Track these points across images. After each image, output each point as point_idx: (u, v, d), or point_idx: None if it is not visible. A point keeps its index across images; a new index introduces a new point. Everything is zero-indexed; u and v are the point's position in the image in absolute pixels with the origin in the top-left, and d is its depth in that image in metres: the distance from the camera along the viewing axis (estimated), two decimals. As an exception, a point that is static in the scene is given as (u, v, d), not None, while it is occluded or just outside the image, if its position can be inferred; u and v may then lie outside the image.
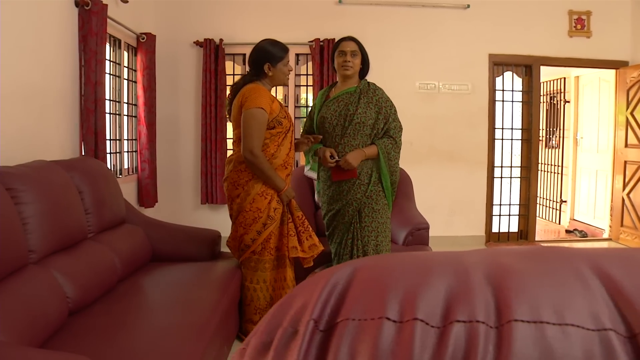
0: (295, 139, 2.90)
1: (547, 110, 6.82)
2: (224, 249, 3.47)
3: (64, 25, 3.20)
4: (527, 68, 5.32)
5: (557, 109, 6.58)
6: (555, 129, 6.69)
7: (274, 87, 2.90)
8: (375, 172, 2.80)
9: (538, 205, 6.83)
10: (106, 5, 3.46)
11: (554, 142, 6.74)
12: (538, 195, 6.81)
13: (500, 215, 5.51)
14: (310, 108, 5.07)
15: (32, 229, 2.01)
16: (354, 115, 2.75)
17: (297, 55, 5.27)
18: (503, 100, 5.43)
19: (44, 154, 2.82)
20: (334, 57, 2.87)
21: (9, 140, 2.64)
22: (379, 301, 0.34)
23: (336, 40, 3.06)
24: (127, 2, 4.00)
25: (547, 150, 6.84)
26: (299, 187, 4.04)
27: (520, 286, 0.36)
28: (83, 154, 3.35)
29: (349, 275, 0.39)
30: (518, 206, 5.56)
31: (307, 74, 5.29)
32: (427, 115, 5.24)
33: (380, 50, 5.10)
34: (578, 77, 6.21)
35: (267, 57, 2.67)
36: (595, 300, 0.35)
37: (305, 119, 3.08)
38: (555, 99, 6.62)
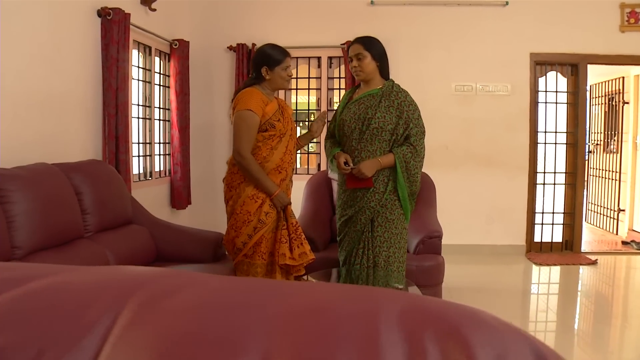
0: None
1: (605, 112, 6.34)
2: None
3: (87, 34, 3.38)
4: (573, 67, 4.98)
5: (616, 110, 6.09)
6: (613, 133, 6.20)
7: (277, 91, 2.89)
8: (391, 180, 2.65)
9: (594, 214, 6.38)
10: (128, 14, 3.61)
11: (612, 146, 6.25)
12: (594, 202, 6.37)
13: (542, 224, 5.18)
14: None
15: (19, 226, 2.13)
16: (372, 119, 2.60)
17: (330, 58, 5.25)
18: (546, 102, 5.10)
19: (63, 158, 2.98)
20: None
21: (26, 144, 2.82)
22: None
23: None
24: (155, 10, 4.16)
25: (604, 155, 6.36)
26: (317, 191, 4.02)
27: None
28: (106, 157, 3.51)
29: None
30: (562, 214, 5.19)
31: (339, 77, 5.25)
32: (464, 117, 5.04)
33: (414, 52, 4.97)
34: (638, 75, 5.73)
35: (264, 61, 2.65)
36: None
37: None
38: (613, 100, 6.13)
